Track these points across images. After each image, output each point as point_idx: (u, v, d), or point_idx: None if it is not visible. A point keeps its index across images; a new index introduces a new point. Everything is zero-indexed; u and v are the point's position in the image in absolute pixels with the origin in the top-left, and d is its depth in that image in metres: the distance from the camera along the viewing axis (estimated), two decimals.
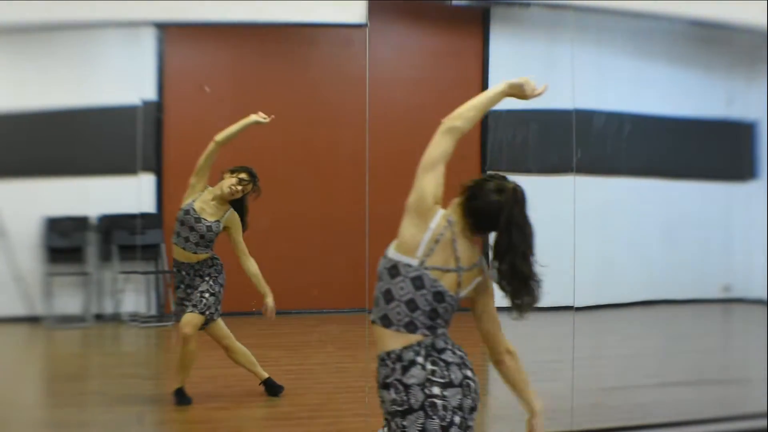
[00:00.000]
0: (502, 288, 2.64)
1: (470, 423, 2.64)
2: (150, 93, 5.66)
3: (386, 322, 2.60)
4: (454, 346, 2.66)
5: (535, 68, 6.29)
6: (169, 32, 5.63)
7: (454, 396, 2.57)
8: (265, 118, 4.84)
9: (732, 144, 6.58)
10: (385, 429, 2.65)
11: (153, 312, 5.78)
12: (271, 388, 5.00)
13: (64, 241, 5.52)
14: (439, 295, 2.60)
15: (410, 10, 6.15)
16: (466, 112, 2.66)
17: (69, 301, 5.54)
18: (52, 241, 5.46)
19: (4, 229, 5.17)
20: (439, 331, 2.63)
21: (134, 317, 5.71)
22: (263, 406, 5.00)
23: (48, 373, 5.57)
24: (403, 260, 2.59)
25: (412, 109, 6.35)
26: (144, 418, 4.79)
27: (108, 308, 5.68)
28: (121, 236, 5.62)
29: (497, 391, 5.91)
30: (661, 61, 6.41)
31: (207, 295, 4.80)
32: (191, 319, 4.77)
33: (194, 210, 4.77)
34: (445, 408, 2.55)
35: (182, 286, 4.88)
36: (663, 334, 6.34)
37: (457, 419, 2.57)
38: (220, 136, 4.76)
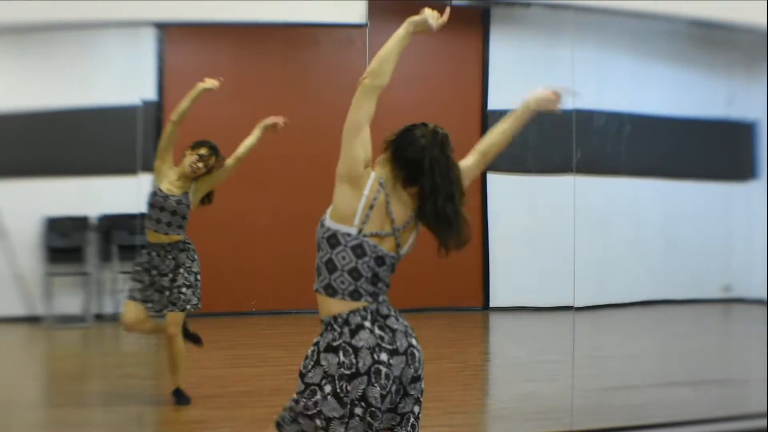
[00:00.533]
0: (429, 228, 2.63)
1: (412, 392, 2.63)
2: (150, 93, 5.65)
3: (330, 291, 2.60)
4: (396, 313, 2.67)
5: (535, 68, 6.32)
6: (169, 32, 5.63)
7: (398, 365, 2.57)
8: (214, 85, 4.78)
9: (732, 144, 6.58)
10: (296, 397, 2.62)
11: (153, 312, 5.78)
12: (180, 398, 4.88)
13: (64, 241, 5.52)
14: (380, 259, 2.61)
15: (410, 10, 6.14)
16: (381, 67, 2.62)
17: (69, 301, 5.54)
18: (52, 241, 5.46)
19: (4, 229, 5.17)
20: (381, 297, 2.64)
21: None
22: (263, 406, 5.00)
23: (48, 373, 5.57)
24: (341, 229, 2.58)
25: (412, 109, 6.34)
26: (144, 418, 4.79)
27: (108, 308, 5.67)
28: (121, 236, 5.61)
29: (497, 391, 5.93)
30: (661, 61, 6.41)
31: (184, 289, 4.75)
32: (174, 318, 4.73)
33: (161, 190, 4.74)
34: (387, 377, 2.54)
35: (147, 267, 4.78)
36: (663, 334, 6.35)
37: (394, 388, 2.57)
38: (174, 115, 4.69)
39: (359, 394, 2.53)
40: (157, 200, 4.74)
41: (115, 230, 5.64)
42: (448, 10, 2.70)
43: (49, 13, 4.43)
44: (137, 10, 4.50)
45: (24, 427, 4.63)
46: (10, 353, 5.37)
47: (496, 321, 6.74)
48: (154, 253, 4.78)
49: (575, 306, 5.16)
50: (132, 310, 4.78)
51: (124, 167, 5.31)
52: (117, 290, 5.67)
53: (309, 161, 6.17)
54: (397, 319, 2.65)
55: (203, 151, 4.76)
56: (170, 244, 4.78)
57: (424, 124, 2.69)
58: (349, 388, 2.53)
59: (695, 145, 6.53)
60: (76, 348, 5.75)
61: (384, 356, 2.55)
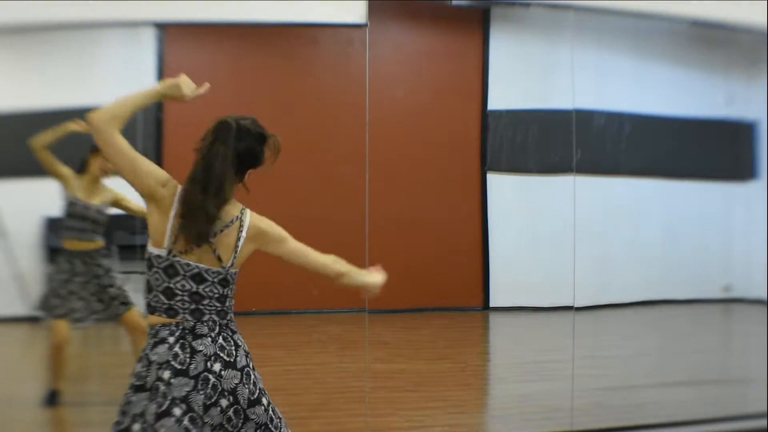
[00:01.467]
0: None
1: (207, 420, 2.52)
2: None
3: (150, 309, 2.60)
4: (220, 335, 2.61)
5: (535, 68, 6.32)
6: (169, 32, 5.63)
7: (181, 386, 2.49)
8: (82, 128, 4.81)
9: (732, 144, 6.58)
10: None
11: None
12: None
13: None
14: (198, 277, 2.56)
15: (410, 10, 6.15)
16: (114, 111, 2.52)
17: None
18: (52, 241, 5.46)
19: (4, 229, 5.17)
20: (206, 317, 2.59)
21: None
22: None
23: (48, 372, 5.57)
24: (154, 252, 2.56)
25: (412, 109, 6.34)
26: None
27: None
28: (121, 236, 5.61)
29: (497, 391, 5.93)
30: (661, 61, 6.41)
31: (123, 288, 4.94)
32: (134, 314, 4.87)
33: (80, 199, 4.81)
34: (164, 395, 2.47)
35: (67, 277, 4.84)
36: (663, 334, 6.35)
37: (177, 411, 2.47)
38: (35, 140, 4.69)
39: (140, 408, 2.48)
40: (77, 210, 4.83)
41: (115, 230, 5.63)
42: (207, 85, 2.69)
43: (49, 13, 4.43)
44: (137, 10, 4.50)
45: (24, 427, 4.63)
46: (10, 353, 5.37)
47: (496, 321, 6.74)
48: (77, 261, 4.87)
49: (575, 306, 5.16)
50: (63, 329, 4.83)
51: None
52: None
53: (309, 161, 6.17)
54: (214, 341, 2.58)
55: None
56: (95, 250, 4.90)
57: (227, 118, 2.67)
58: (133, 399, 2.49)
59: (695, 145, 6.53)
60: (76, 348, 5.74)
61: (166, 374, 2.49)
